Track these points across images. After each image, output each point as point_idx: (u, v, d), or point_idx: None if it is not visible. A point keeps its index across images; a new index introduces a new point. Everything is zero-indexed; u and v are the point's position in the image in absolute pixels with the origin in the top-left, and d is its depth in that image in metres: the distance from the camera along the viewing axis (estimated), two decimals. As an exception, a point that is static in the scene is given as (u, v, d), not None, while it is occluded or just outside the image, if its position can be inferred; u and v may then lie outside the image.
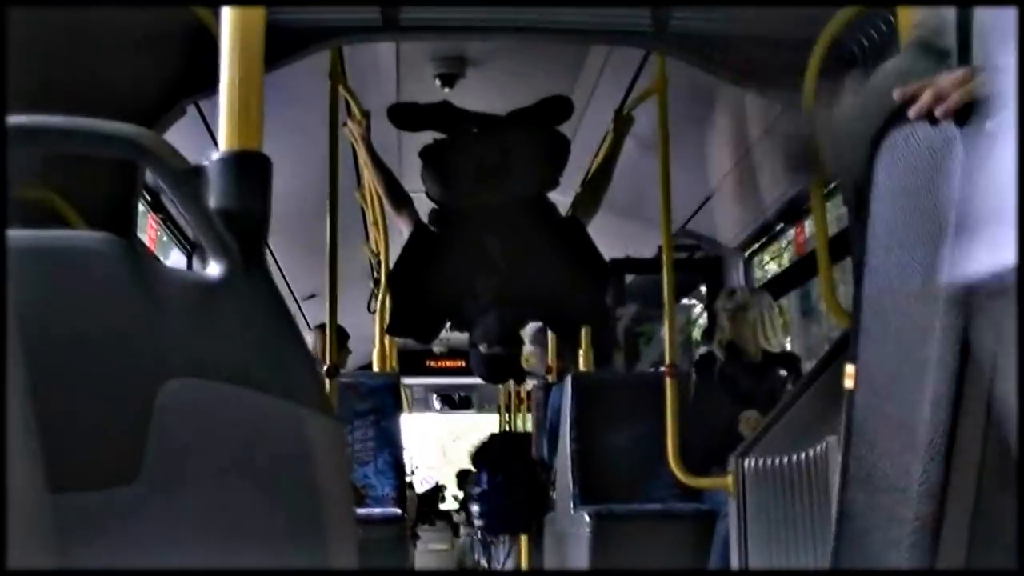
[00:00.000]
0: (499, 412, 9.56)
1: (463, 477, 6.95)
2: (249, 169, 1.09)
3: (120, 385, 1.07)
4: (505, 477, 4.91)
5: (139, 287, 1.07)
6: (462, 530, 7.80)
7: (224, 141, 1.10)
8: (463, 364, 8.05)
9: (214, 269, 1.09)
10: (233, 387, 1.07)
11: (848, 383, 0.96)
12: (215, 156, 1.09)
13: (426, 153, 4.00)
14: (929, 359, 0.87)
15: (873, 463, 0.92)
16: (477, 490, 5.08)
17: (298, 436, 1.06)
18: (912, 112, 0.95)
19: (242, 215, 1.08)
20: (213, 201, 1.08)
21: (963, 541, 0.86)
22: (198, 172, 1.08)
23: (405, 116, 4.06)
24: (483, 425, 10.53)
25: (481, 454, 5.23)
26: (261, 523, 1.08)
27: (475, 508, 5.11)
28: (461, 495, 6.37)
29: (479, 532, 5.49)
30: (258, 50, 1.12)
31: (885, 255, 0.93)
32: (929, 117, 0.93)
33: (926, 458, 0.86)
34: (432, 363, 9.69)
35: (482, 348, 3.98)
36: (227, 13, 1.12)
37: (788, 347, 4.49)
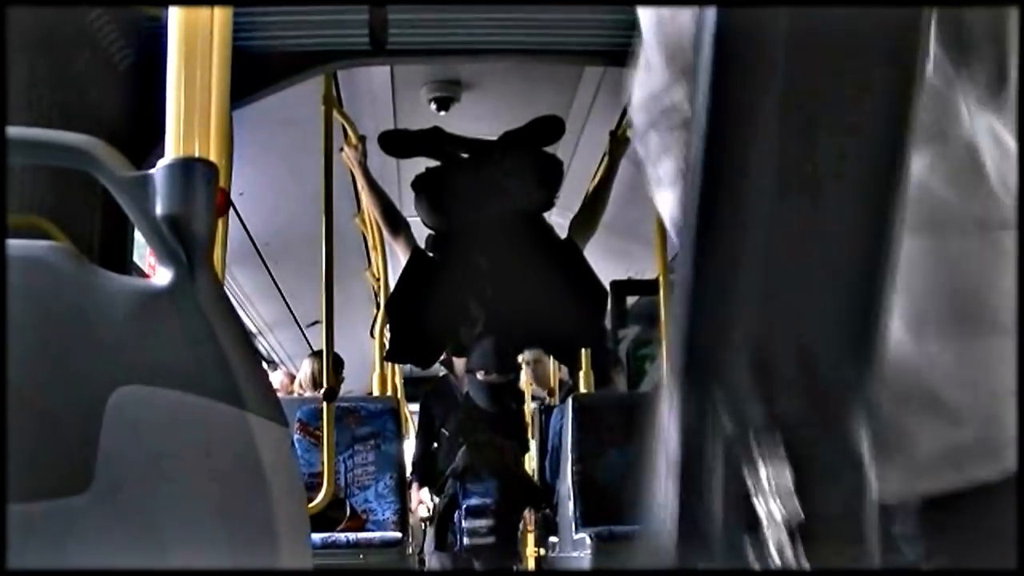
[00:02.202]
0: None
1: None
2: (196, 176, 1.09)
3: (69, 394, 1.07)
4: (510, 486, 4.39)
5: (86, 296, 1.08)
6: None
7: (171, 148, 1.11)
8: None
9: (162, 276, 1.09)
10: (181, 393, 1.07)
11: None
12: (161, 163, 1.09)
13: (418, 182, 4.01)
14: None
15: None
16: (479, 501, 4.38)
17: (245, 441, 1.06)
18: None
19: (189, 222, 1.08)
20: (160, 208, 1.08)
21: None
22: (145, 180, 1.08)
23: (396, 143, 4.08)
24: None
25: (481, 454, 4.45)
26: (212, 528, 1.07)
27: (477, 524, 4.53)
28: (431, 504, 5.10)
29: (477, 555, 4.70)
30: (207, 53, 1.12)
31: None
32: None
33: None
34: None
35: (479, 375, 3.98)
36: (174, 14, 1.12)
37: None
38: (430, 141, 4.02)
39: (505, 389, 4.10)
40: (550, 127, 4.00)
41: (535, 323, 3.94)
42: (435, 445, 4.83)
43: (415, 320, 3.97)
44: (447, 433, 4.74)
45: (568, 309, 3.93)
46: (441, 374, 5.25)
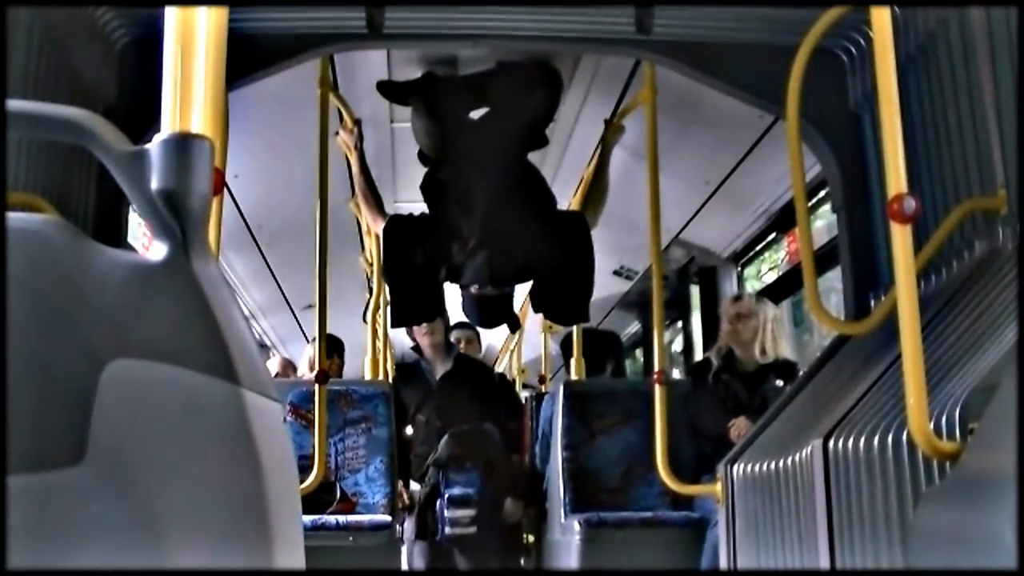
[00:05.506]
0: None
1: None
2: (192, 151, 1.10)
3: (63, 367, 1.07)
4: (493, 476, 4.45)
5: (81, 269, 1.08)
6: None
7: (167, 127, 1.11)
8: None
9: (157, 251, 1.10)
10: (175, 367, 1.07)
11: None
12: (157, 138, 1.09)
13: (416, 85, 4.02)
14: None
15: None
16: (461, 491, 4.42)
17: (238, 416, 1.07)
18: None
19: (184, 197, 1.09)
20: (156, 183, 1.09)
21: None
22: (141, 155, 1.09)
23: (394, 90, 4.11)
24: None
25: (465, 443, 4.52)
26: (204, 502, 1.08)
27: (460, 514, 4.35)
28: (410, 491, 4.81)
29: (457, 546, 4.49)
30: (203, 33, 1.13)
31: None
32: None
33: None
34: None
35: (472, 290, 3.95)
36: (171, -6, 1.13)
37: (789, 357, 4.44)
38: (426, 83, 4.07)
39: (498, 303, 4.06)
40: (543, 67, 4.05)
41: (527, 246, 3.93)
42: (409, 431, 4.80)
43: (409, 261, 3.95)
44: (423, 419, 4.73)
45: (556, 232, 3.95)
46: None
